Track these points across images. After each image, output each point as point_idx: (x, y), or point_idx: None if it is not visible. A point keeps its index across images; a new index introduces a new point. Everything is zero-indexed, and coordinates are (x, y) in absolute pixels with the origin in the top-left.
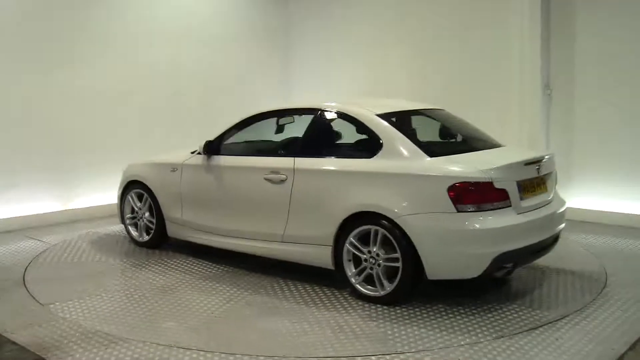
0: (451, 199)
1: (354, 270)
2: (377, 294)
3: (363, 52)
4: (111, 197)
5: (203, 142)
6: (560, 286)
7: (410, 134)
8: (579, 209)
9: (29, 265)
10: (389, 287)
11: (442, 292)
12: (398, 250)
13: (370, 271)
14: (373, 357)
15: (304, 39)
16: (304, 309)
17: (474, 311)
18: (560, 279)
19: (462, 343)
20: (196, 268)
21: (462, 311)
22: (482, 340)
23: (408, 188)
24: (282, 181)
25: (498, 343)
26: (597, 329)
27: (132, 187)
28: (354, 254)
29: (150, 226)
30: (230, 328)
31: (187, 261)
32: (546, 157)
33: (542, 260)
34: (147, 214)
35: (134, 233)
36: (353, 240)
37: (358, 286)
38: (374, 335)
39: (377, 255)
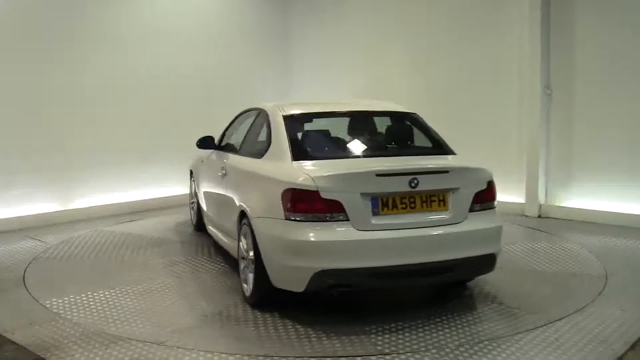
0: (282, 205)
1: (242, 268)
2: (247, 293)
3: (363, 53)
4: (111, 197)
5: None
6: (560, 286)
7: (309, 138)
8: (579, 209)
9: (28, 265)
10: (251, 289)
11: (445, 291)
12: (252, 252)
13: (247, 270)
14: (373, 357)
15: (304, 40)
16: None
17: (473, 311)
18: (560, 279)
19: (462, 343)
20: (199, 264)
21: (461, 311)
22: (482, 340)
23: (261, 190)
24: (223, 177)
25: (498, 343)
26: (597, 329)
27: (192, 176)
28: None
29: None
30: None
31: (191, 257)
32: (439, 169)
33: (543, 261)
34: (197, 200)
35: (191, 215)
36: (242, 238)
37: (243, 284)
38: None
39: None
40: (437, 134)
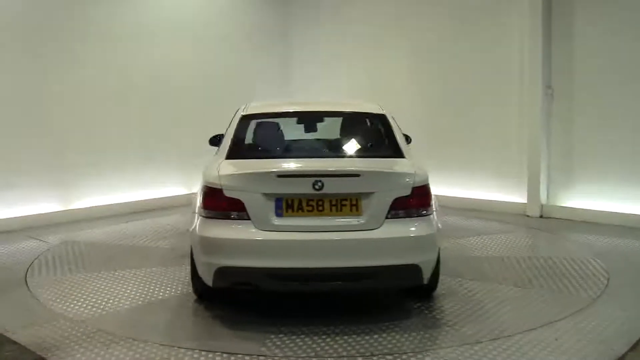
0: (200, 202)
1: None
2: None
3: (362, 53)
4: (111, 197)
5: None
6: (561, 286)
7: (254, 137)
8: (580, 209)
9: (30, 265)
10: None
11: (446, 291)
12: None
13: None
14: (374, 358)
15: (304, 40)
16: None
17: (472, 311)
18: (560, 279)
19: (461, 343)
20: None
21: (460, 311)
22: (481, 340)
23: (199, 187)
24: None
25: (498, 343)
26: (597, 329)
27: None
28: None
29: None
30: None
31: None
32: (346, 172)
33: (542, 260)
34: None
35: None
36: None
37: None
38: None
39: None
40: (395, 136)
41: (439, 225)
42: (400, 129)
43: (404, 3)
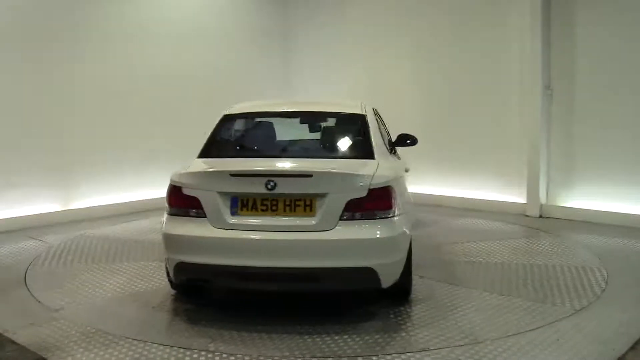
0: (166, 199)
1: None
2: None
3: (362, 53)
4: (111, 197)
5: None
6: (561, 286)
7: (228, 136)
8: (580, 209)
9: (29, 265)
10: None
11: (424, 295)
12: None
13: None
14: (374, 358)
15: (304, 40)
16: None
17: (439, 317)
18: (560, 279)
19: (461, 343)
20: None
21: (427, 316)
22: (482, 340)
23: None
24: None
25: (499, 343)
26: (597, 329)
27: None
28: None
29: None
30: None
31: None
32: (298, 172)
33: (540, 264)
34: None
35: None
36: None
37: None
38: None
39: None
40: (369, 137)
41: (405, 228)
42: (379, 129)
43: (404, 3)
